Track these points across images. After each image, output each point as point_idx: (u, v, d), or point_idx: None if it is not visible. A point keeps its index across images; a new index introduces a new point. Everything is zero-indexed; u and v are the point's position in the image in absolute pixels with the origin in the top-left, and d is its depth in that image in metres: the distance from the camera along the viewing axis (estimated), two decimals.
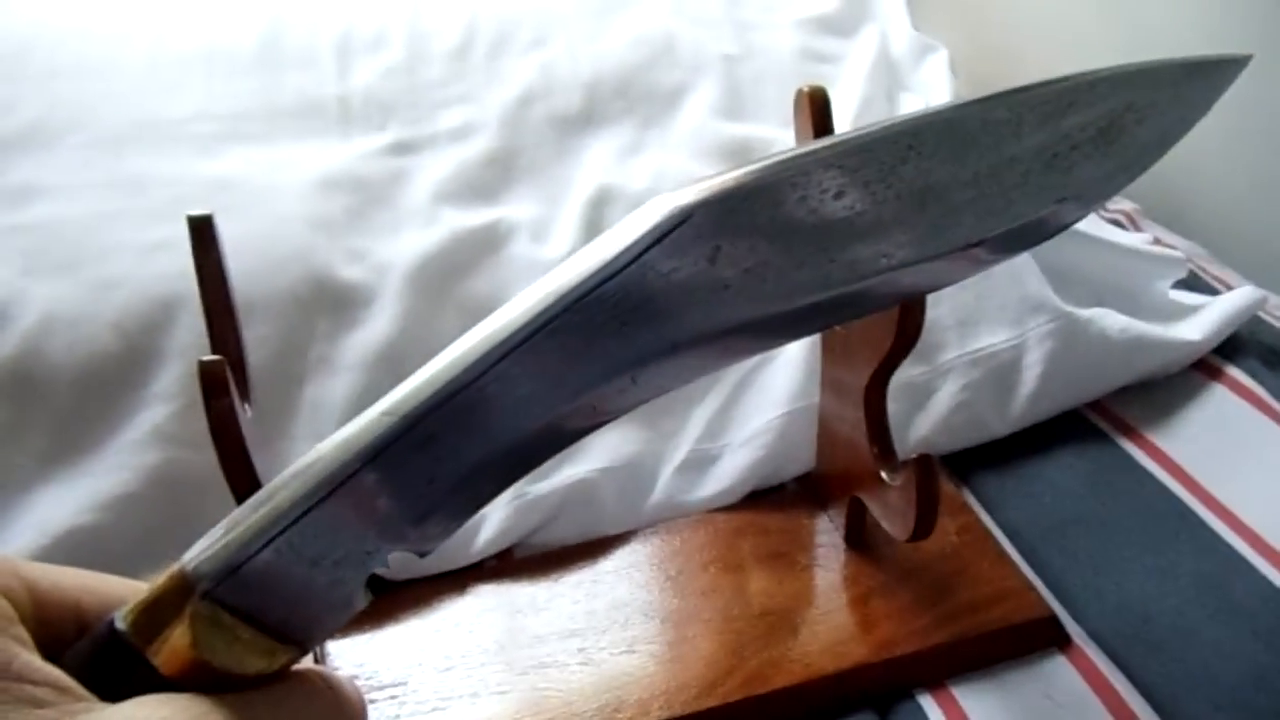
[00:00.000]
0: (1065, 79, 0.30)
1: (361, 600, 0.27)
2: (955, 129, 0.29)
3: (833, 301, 0.29)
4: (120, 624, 0.26)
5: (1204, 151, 1.00)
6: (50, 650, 0.26)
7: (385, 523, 0.27)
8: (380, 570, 0.28)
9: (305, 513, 0.27)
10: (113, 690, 0.26)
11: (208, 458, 0.61)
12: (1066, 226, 0.32)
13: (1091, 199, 0.31)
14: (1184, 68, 0.30)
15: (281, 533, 0.26)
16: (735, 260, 0.28)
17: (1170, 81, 0.30)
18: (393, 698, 0.57)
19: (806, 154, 0.30)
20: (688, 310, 0.28)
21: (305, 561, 0.26)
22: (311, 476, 0.27)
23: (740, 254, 0.28)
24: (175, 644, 0.26)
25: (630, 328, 0.28)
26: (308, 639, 0.27)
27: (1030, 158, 0.29)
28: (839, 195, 0.29)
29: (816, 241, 0.28)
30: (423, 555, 0.28)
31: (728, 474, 0.68)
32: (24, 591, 0.26)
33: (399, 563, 0.28)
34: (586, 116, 0.84)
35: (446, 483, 0.27)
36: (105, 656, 0.26)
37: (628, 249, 0.28)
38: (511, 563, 0.66)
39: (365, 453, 0.27)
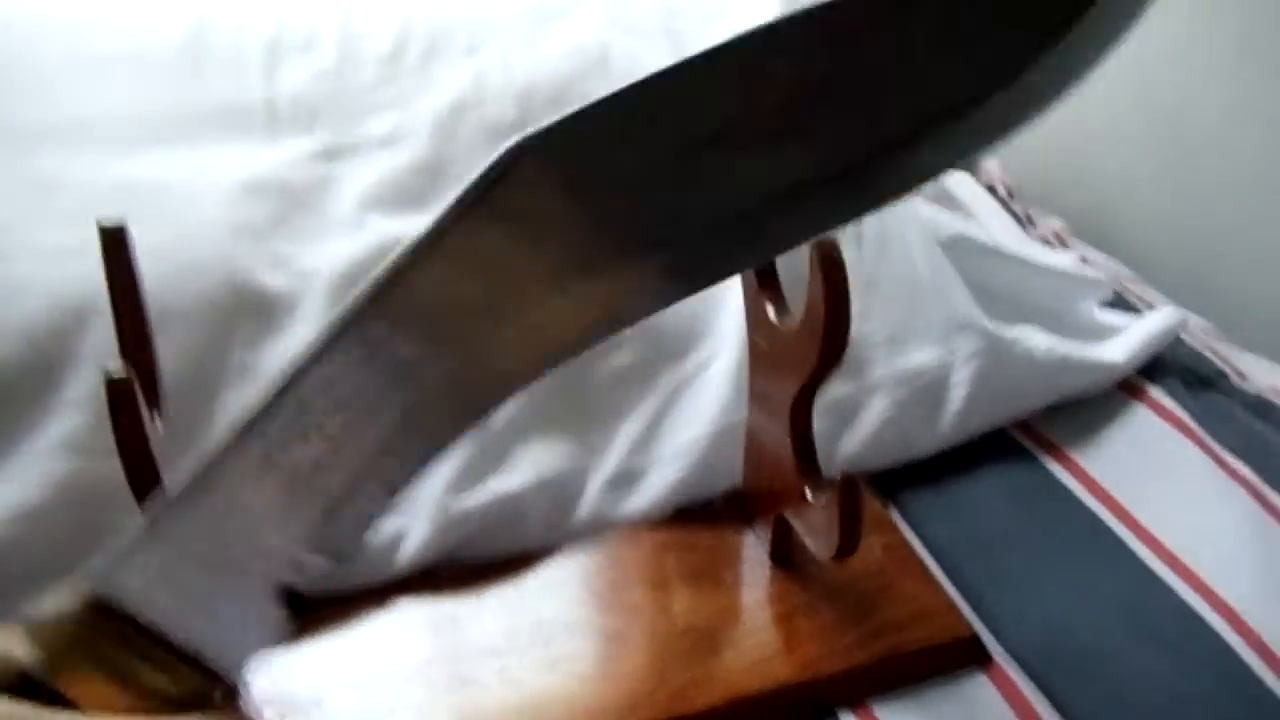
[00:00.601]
0: None
1: (274, 615, 0.25)
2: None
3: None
4: (25, 658, 0.24)
5: (1132, 171, 1.02)
6: None
7: (282, 519, 0.25)
8: (296, 583, 0.26)
9: (195, 506, 0.25)
10: None
11: (119, 469, 0.60)
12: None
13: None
14: None
15: (174, 531, 0.25)
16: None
17: None
18: (307, 716, 0.56)
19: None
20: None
21: (205, 567, 0.25)
22: (200, 470, 0.25)
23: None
24: (83, 670, 0.24)
25: None
26: (222, 660, 0.25)
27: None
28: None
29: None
30: (340, 560, 0.26)
31: (655, 489, 0.68)
32: None
33: (316, 573, 0.26)
34: (520, 126, 0.81)
35: (341, 471, 0.25)
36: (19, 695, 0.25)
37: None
38: (434, 578, 0.65)
39: (248, 432, 0.25)
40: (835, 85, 0.26)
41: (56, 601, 0.24)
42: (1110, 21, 0.25)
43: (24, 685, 0.24)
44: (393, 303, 0.25)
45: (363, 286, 0.25)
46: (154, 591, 0.24)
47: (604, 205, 0.25)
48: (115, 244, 0.49)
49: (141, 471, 0.46)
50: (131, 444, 0.46)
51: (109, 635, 0.24)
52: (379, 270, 0.25)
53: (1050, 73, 0.25)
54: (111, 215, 0.50)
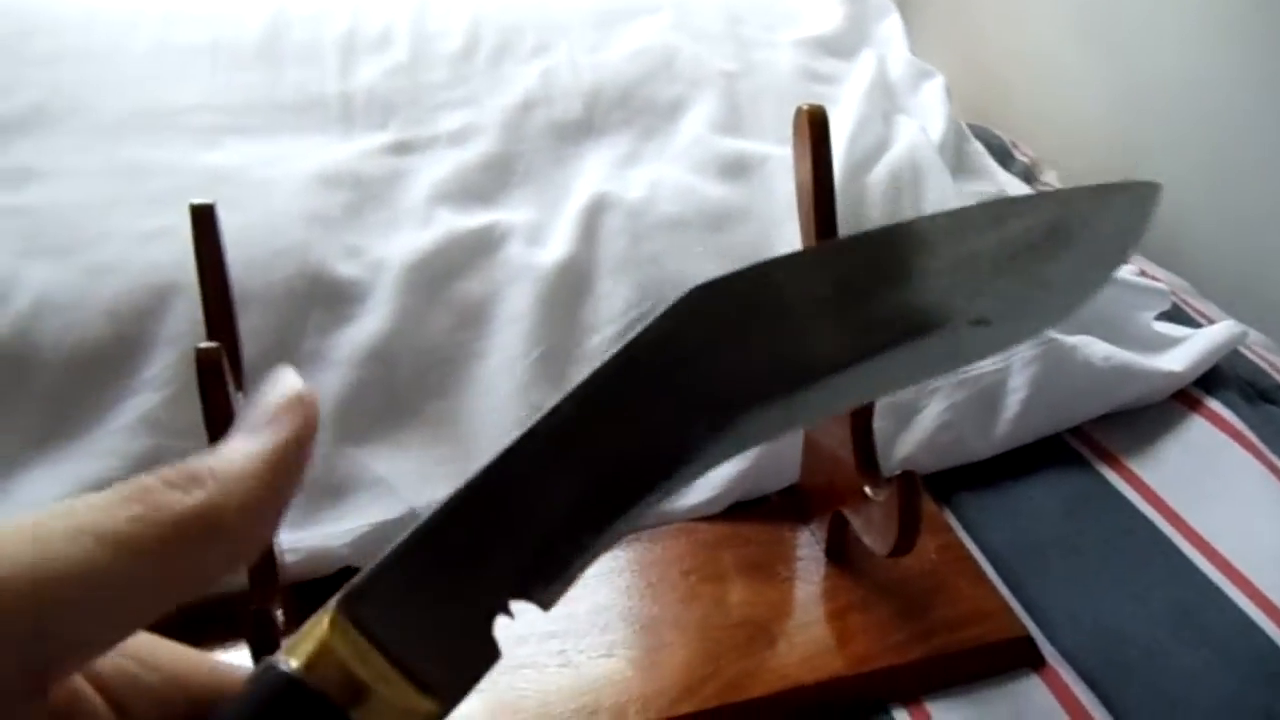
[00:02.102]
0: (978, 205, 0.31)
1: (491, 644, 0.27)
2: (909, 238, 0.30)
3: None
4: (288, 667, 0.25)
5: (1190, 188, 1.02)
6: None
7: (498, 567, 0.27)
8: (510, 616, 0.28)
9: (430, 543, 0.27)
10: None
11: (195, 446, 0.61)
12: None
13: (1067, 295, 0.31)
14: (1099, 188, 0.31)
15: (414, 547, 0.26)
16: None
17: (1090, 197, 0.31)
18: None
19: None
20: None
21: (437, 597, 0.27)
22: (437, 511, 0.27)
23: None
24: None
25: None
26: (445, 690, 0.26)
27: (992, 251, 0.29)
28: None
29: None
30: (547, 607, 0.28)
31: (712, 484, 0.69)
32: (141, 673, 0.25)
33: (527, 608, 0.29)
34: (586, 125, 0.85)
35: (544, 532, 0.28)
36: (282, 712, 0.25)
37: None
38: None
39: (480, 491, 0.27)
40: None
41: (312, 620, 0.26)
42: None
43: (291, 696, 0.25)
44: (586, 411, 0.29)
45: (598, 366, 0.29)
46: (393, 614, 0.26)
47: (754, 347, 0.29)
48: (205, 223, 0.51)
49: None
50: (218, 415, 0.47)
51: (353, 653, 0.26)
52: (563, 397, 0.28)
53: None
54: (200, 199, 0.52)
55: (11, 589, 0.20)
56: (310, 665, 0.25)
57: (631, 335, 0.28)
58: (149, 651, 0.26)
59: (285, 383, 0.26)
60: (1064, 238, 0.30)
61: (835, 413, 0.31)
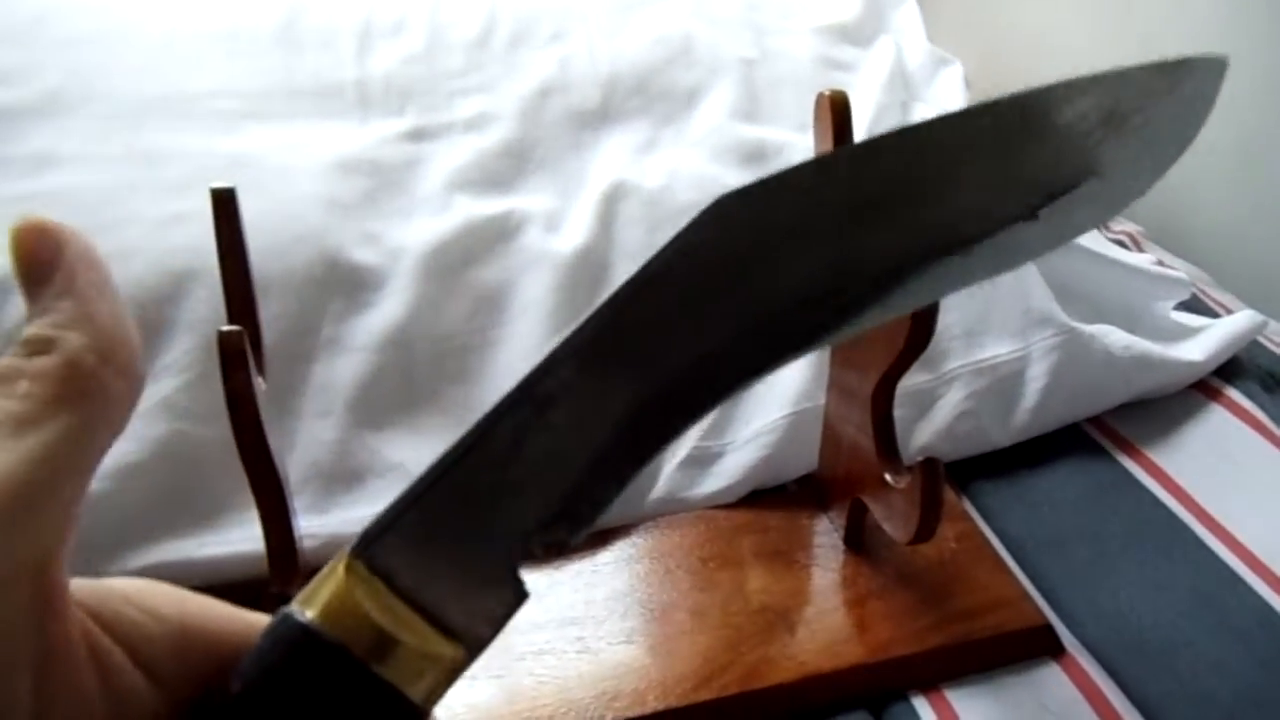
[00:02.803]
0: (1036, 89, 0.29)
1: (514, 583, 0.25)
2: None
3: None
4: (304, 618, 0.24)
5: (1206, 177, 1.01)
6: (185, 692, 0.25)
7: (522, 503, 0.26)
8: (536, 554, 0.27)
9: (442, 485, 0.26)
10: (320, 698, 0.24)
11: (215, 431, 0.62)
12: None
13: (1121, 186, 0.30)
14: (1160, 65, 0.30)
15: (427, 490, 0.25)
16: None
17: (1149, 76, 0.29)
18: None
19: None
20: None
21: (453, 537, 0.26)
22: (447, 453, 0.26)
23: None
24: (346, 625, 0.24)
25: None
26: (471, 635, 0.25)
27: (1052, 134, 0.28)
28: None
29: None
30: (576, 538, 0.27)
31: (730, 472, 0.69)
32: (153, 624, 0.25)
33: (554, 547, 0.27)
34: (603, 112, 0.84)
35: (574, 462, 0.26)
36: (298, 662, 0.24)
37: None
38: None
39: (494, 423, 0.26)
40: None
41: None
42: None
43: (307, 646, 0.25)
44: (629, 312, 0.27)
45: (591, 311, 0.27)
46: (407, 555, 0.25)
47: (780, 257, 0.27)
48: (226, 207, 0.50)
49: (247, 425, 0.48)
50: (240, 397, 0.47)
51: (366, 593, 0.25)
52: (601, 302, 0.27)
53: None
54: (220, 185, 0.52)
55: None
56: (327, 614, 0.24)
57: (659, 251, 0.26)
58: (156, 602, 0.25)
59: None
60: (1121, 118, 0.29)
61: (888, 317, 0.28)
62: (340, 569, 0.25)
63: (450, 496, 0.25)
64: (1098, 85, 0.28)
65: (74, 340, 0.23)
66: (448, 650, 0.25)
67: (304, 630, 0.24)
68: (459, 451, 0.25)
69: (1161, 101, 0.29)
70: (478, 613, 0.25)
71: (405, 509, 0.25)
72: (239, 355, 0.47)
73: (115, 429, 0.23)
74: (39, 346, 0.23)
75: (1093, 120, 0.28)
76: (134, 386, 0.24)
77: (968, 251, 0.27)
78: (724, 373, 0.27)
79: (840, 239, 0.27)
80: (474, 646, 0.25)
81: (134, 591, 0.25)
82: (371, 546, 0.25)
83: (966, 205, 0.27)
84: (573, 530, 0.26)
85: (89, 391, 0.22)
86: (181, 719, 0.25)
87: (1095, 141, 0.28)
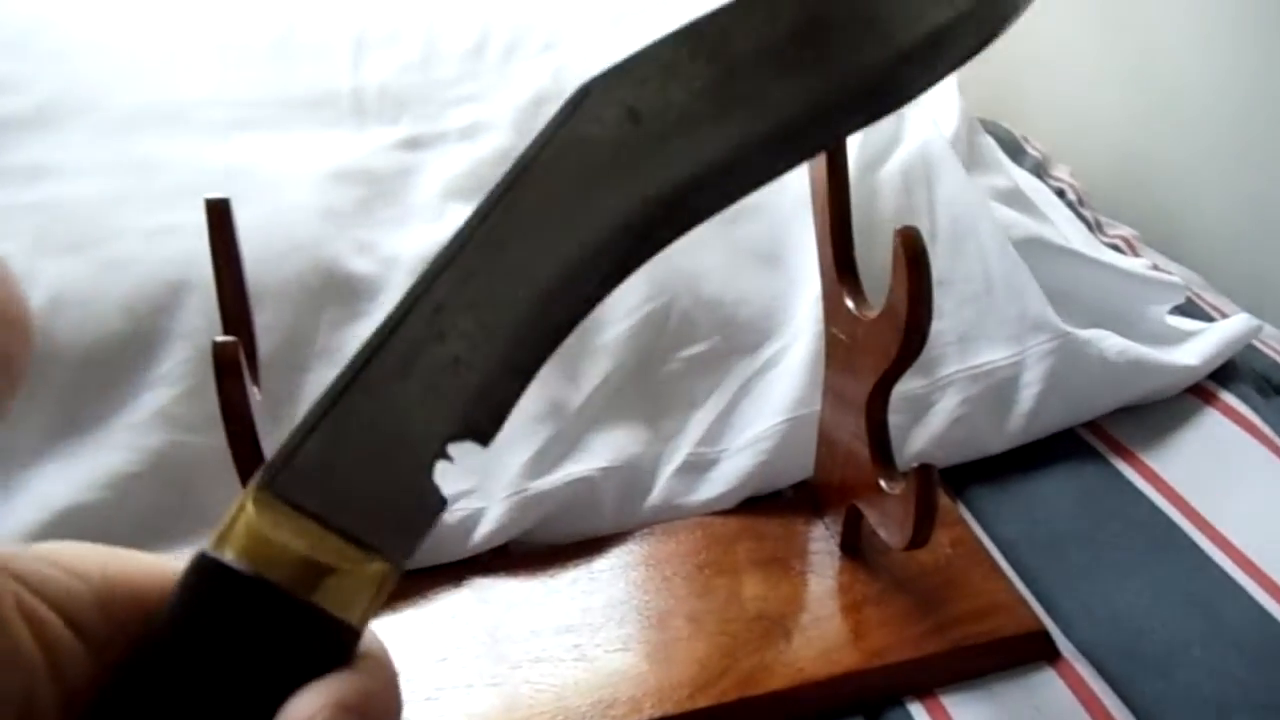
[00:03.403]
0: None
1: (430, 494, 0.26)
2: None
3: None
4: (221, 556, 0.24)
5: (1201, 181, 1.02)
6: (114, 648, 0.25)
7: (426, 413, 0.26)
8: (449, 462, 0.26)
9: (343, 405, 0.26)
10: (245, 633, 0.24)
11: (209, 441, 0.62)
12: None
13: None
14: None
15: (325, 414, 0.25)
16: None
17: None
18: None
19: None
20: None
21: (359, 456, 0.25)
22: (344, 374, 0.26)
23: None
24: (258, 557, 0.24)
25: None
26: (388, 545, 0.25)
27: None
28: None
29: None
30: (484, 443, 0.26)
31: (726, 478, 0.69)
32: (78, 584, 0.25)
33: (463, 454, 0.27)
34: None
35: (477, 366, 0.26)
36: (216, 596, 0.24)
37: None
38: (508, 558, 0.67)
39: (390, 335, 0.26)
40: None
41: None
42: None
43: (222, 579, 0.25)
44: (510, 209, 0.27)
45: (481, 201, 0.26)
46: (314, 479, 0.25)
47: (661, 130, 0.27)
48: (220, 217, 0.51)
49: (242, 434, 0.48)
50: (234, 407, 0.47)
51: (277, 522, 0.25)
52: (496, 186, 0.26)
53: None
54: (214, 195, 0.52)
55: None
56: (241, 549, 0.24)
57: (532, 142, 0.26)
58: (79, 561, 0.25)
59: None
60: None
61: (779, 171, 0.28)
62: (248, 504, 0.25)
63: (351, 416, 0.25)
64: None
65: None
66: (371, 566, 0.25)
67: (220, 567, 0.24)
68: (352, 372, 0.25)
69: None
70: (398, 524, 0.26)
71: (305, 436, 0.25)
72: (234, 365, 0.47)
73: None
74: None
75: None
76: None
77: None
78: (624, 251, 0.27)
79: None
80: (398, 558, 0.26)
81: (56, 552, 0.25)
82: (277, 477, 0.25)
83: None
84: (486, 431, 0.26)
85: None
86: (113, 675, 0.24)
87: None
